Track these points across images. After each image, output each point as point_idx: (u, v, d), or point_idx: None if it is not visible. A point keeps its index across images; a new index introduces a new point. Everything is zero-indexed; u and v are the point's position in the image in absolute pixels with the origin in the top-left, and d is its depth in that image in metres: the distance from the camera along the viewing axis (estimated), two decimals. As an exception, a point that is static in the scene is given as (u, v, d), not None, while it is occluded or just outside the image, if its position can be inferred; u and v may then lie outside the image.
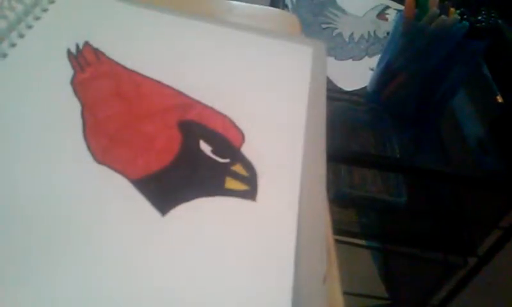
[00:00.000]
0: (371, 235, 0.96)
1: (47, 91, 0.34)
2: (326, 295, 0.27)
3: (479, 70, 0.80)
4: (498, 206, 0.77)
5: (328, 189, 0.32)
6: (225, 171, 0.32)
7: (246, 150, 0.33)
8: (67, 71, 0.36)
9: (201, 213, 0.29)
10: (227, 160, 0.33)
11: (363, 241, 1.01)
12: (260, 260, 0.28)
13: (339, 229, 0.83)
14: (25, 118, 0.32)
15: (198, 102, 0.36)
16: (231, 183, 0.31)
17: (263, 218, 0.30)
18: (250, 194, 0.31)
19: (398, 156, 0.75)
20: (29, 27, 0.38)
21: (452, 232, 0.86)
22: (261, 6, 0.50)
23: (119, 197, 0.29)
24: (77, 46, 0.38)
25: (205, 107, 0.36)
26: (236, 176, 0.32)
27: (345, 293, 0.28)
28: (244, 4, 0.49)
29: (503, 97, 0.76)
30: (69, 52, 0.37)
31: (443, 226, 0.88)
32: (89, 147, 0.31)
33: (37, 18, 0.39)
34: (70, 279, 0.25)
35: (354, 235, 0.86)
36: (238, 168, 0.32)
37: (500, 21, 0.69)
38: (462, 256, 0.83)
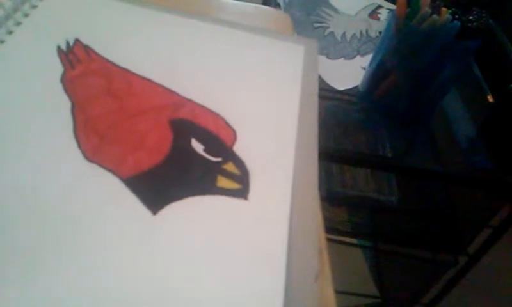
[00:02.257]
0: (362, 233, 0.96)
1: (36, 88, 0.34)
2: (318, 293, 0.27)
3: (470, 69, 0.80)
4: (489, 205, 0.78)
5: (320, 188, 0.32)
6: (217, 169, 0.32)
7: (238, 149, 0.33)
8: (57, 69, 0.35)
9: (193, 212, 0.29)
10: (219, 159, 0.32)
11: (355, 240, 1.01)
12: (252, 259, 0.28)
13: (331, 228, 0.83)
14: (15, 116, 0.32)
15: (190, 101, 0.36)
16: (223, 182, 0.31)
17: (255, 217, 0.30)
18: (242, 192, 0.31)
19: (389, 155, 0.75)
20: (18, 24, 0.38)
21: (442, 231, 0.86)
22: (253, 5, 0.50)
23: (109, 196, 0.29)
24: (67, 43, 0.38)
25: (197, 105, 0.36)
26: (228, 175, 0.32)
27: (337, 292, 0.29)
28: (236, 2, 0.49)
29: (494, 97, 0.77)
30: (59, 49, 0.37)
31: (434, 224, 0.88)
32: (79, 145, 0.31)
33: (26, 15, 0.39)
34: (58, 278, 0.24)
35: (345, 234, 0.86)
36: (230, 167, 0.32)
37: (491, 21, 0.69)
38: (452, 255, 0.84)
